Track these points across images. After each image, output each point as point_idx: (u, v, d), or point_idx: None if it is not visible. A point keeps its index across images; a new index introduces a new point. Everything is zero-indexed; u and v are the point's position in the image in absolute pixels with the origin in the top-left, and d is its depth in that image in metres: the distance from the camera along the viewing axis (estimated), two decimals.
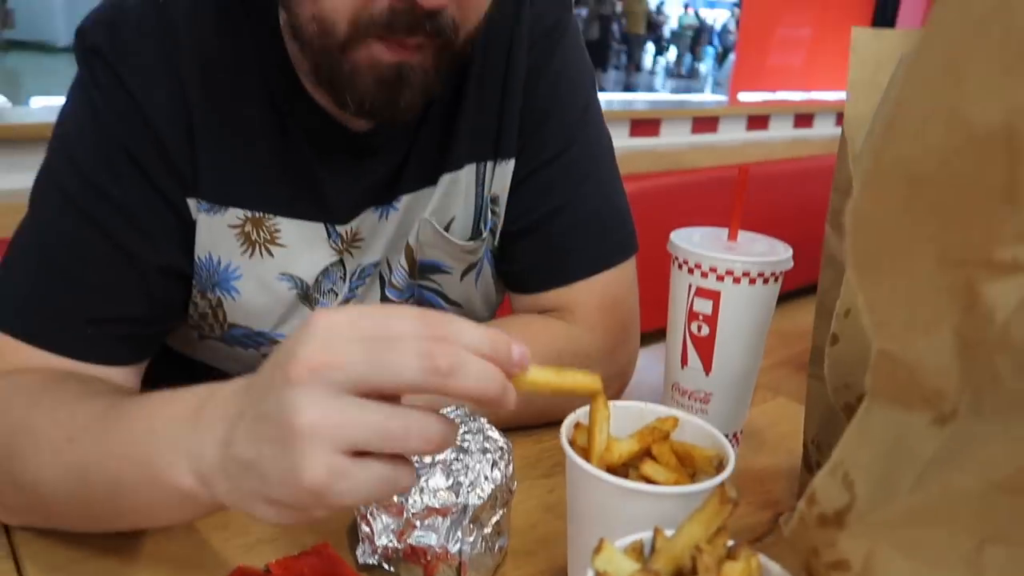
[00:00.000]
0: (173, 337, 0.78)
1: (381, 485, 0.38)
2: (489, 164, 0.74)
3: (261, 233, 0.69)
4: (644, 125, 2.09)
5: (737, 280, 0.66)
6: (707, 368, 0.69)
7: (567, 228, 0.74)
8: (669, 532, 0.39)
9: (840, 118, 2.85)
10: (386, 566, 0.54)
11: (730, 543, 0.37)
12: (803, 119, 2.70)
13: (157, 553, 0.56)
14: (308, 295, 0.73)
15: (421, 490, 0.53)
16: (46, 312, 0.63)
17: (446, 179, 0.73)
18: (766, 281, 0.66)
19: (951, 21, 0.23)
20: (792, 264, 0.68)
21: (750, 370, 0.70)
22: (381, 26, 0.56)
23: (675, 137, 2.21)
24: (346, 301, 0.75)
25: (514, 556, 0.57)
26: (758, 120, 2.52)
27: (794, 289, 2.54)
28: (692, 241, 0.69)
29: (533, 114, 0.74)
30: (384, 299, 0.77)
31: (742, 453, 0.74)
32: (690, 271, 0.67)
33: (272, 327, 0.73)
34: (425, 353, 0.37)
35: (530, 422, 0.74)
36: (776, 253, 0.67)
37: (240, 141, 0.67)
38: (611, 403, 0.49)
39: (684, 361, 0.70)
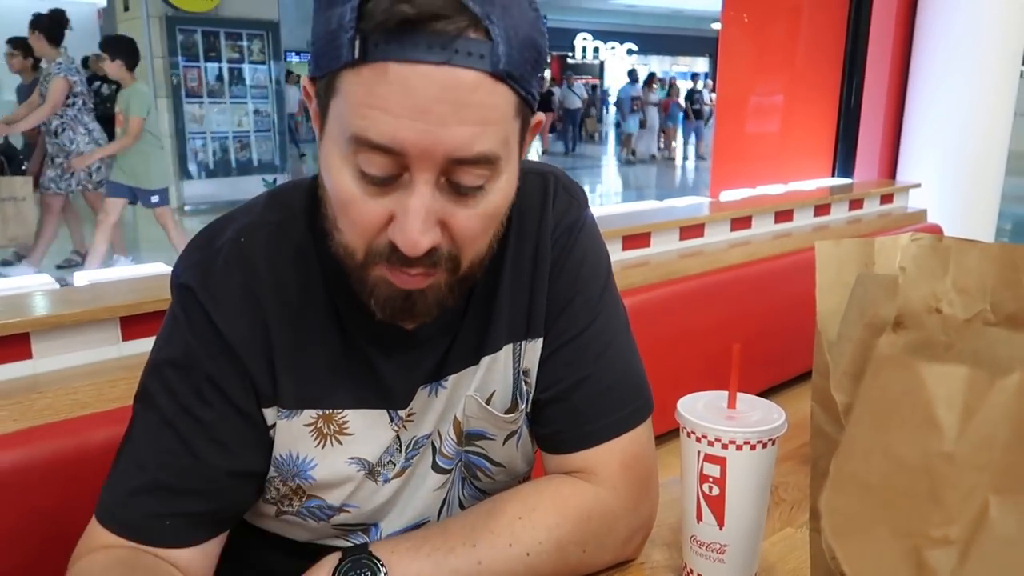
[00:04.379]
0: (250, 514, 0.88)
1: None
2: (522, 343, 0.86)
3: (331, 427, 0.80)
4: (635, 239, 2.23)
5: (740, 448, 0.75)
6: (720, 523, 0.78)
7: (590, 398, 0.85)
8: None
9: (817, 210, 2.98)
10: None
11: None
12: (783, 214, 2.85)
13: None
14: (372, 470, 0.83)
15: None
16: (133, 510, 0.76)
17: (487, 360, 0.84)
18: (765, 446, 0.76)
19: (878, 391, 0.34)
20: (786, 428, 0.78)
21: (759, 521, 0.79)
22: (385, 257, 0.68)
23: (664, 246, 2.34)
24: (402, 471, 0.85)
25: None
26: (741, 221, 2.67)
27: (792, 378, 2.65)
28: (696, 411, 0.79)
29: (558, 299, 0.86)
30: (435, 466, 0.86)
31: None
32: (698, 440, 0.77)
33: (342, 502, 0.83)
34: None
35: None
36: (771, 420, 0.77)
37: (310, 351, 0.79)
38: None
39: (699, 517, 0.79)
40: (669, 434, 0.90)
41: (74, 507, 0.79)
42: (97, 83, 7.17)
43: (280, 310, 0.78)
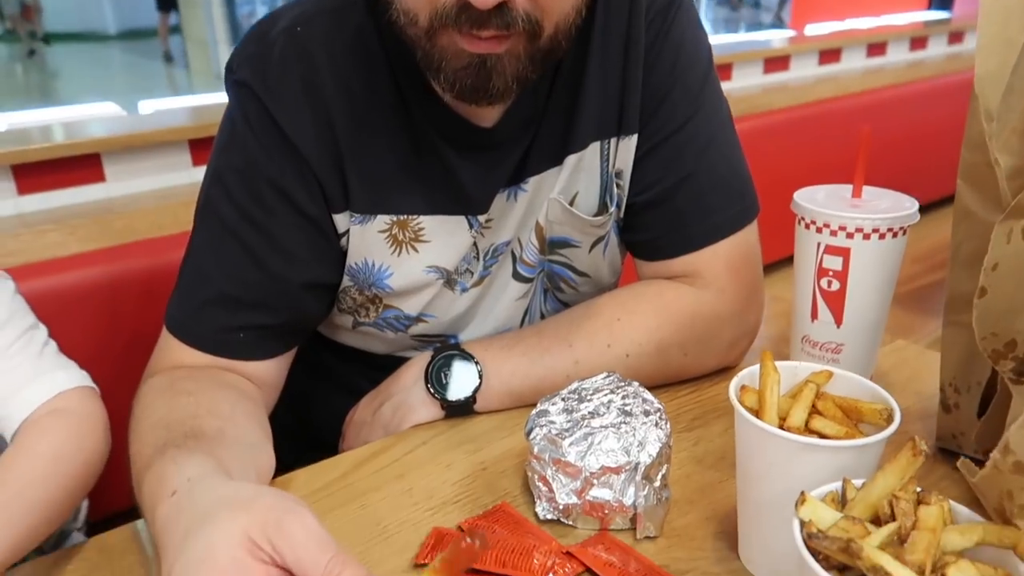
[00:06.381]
0: (326, 327, 0.86)
1: None
2: (612, 141, 0.77)
3: (407, 233, 0.75)
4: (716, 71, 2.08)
5: (867, 236, 0.68)
6: (838, 321, 0.72)
7: (693, 197, 0.77)
8: (857, 482, 0.43)
9: (913, 43, 2.74)
10: (564, 520, 0.60)
11: (918, 490, 0.41)
12: (876, 48, 2.62)
13: (358, 518, 0.63)
14: (450, 279, 0.78)
15: (595, 452, 0.58)
16: (205, 323, 0.73)
17: (572, 159, 0.77)
18: (895, 235, 0.69)
19: None
20: (918, 217, 0.70)
21: (880, 319, 0.73)
22: (453, 19, 0.59)
23: (746, 80, 2.19)
24: (481, 280, 0.80)
25: (676, 505, 0.62)
26: (829, 54, 2.47)
27: None
28: (816, 201, 0.72)
29: (654, 90, 0.76)
30: (516, 274, 0.82)
31: None
32: (818, 230, 0.70)
33: (419, 311, 0.79)
34: None
35: (666, 382, 0.79)
36: (902, 208, 0.70)
37: (380, 150, 0.72)
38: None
39: (814, 315, 0.73)
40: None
41: (155, 322, 0.77)
42: None
43: (345, 105, 0.70)
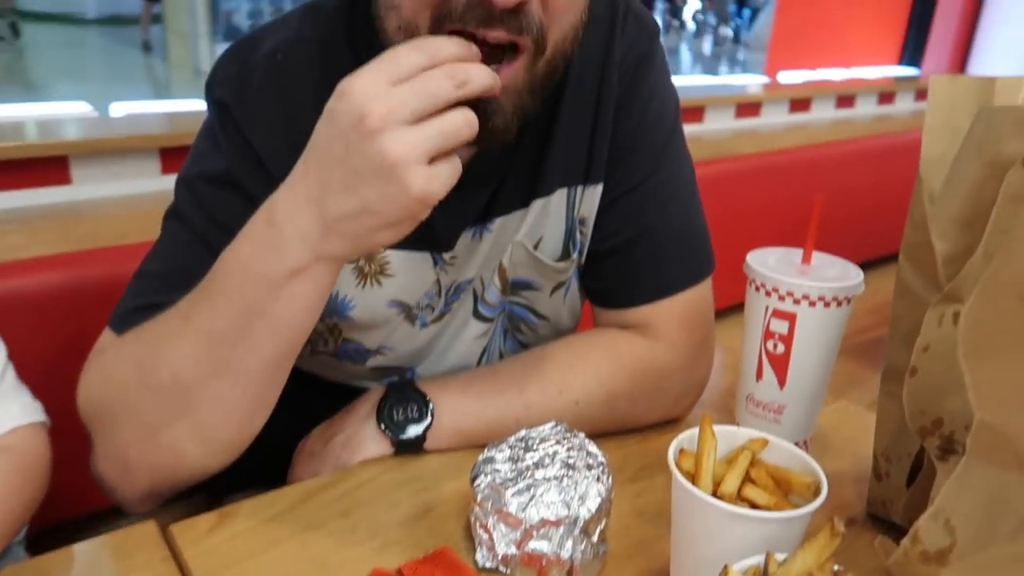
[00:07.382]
0: None
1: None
2: (579, 188, 0.79)
3: (372, 266, 0.76)
4: (688, 112, 2.13)
5: (812, 304, 0.71)
6: (781, 382, 0.75)
7: (651, 249, 0.80)
8: (780, 556, 0.45)
9: (881, 98, 2.82)
10: (503, 568, 0.61)
11: (836, 567, 0.43)
12: (845, 100, 2.70)
13: (300, 553, 0.63)
14: (410, 313, 0.79)
15: (537, 504, 0.59)
16: None
17: (538, 204, 0.78)
18: (840, 304, 0.71)
19: None
20: (863, 288, 0.73)
21: (821, 383, 0.75)
22: (459, 16, 0.58)
23: (718, 123, 2.23)
24: (441, 316, 0.81)
25: (613, 559, 0.64)
26: (800, 103, 2.53)
27: None
28: (768, 264, 0.74)
29: (622, 142, 0.78)
30: (476, 313, 0.83)
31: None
32: (767, 294, 0.73)
33: (378, 344, 0.80)
34: (448, 75, 0.52)
35: (612, 430, 0.80)
36: (848, 278, 0.72)
37: None
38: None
39: (759, 375, 0.76)
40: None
41: None
42: None
43: None
